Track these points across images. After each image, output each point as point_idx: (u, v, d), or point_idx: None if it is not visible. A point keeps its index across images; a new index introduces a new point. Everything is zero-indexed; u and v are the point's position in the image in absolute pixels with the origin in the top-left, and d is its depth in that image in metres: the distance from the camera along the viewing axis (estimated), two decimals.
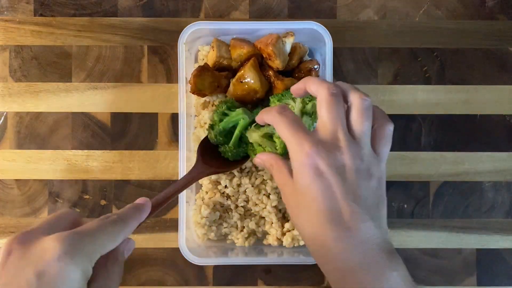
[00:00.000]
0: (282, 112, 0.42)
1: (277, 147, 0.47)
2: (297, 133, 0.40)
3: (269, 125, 0.47)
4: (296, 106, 0.50)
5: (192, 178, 0.48)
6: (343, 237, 0.38)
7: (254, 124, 0.50)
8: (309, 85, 0.42)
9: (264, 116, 0.44)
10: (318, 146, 0.39)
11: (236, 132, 0.50)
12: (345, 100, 0.42)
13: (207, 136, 0.52)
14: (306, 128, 0.41)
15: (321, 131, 0.40)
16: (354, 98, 0.41)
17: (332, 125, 0.40)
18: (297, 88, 0.44)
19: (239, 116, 0.50)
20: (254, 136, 0.49)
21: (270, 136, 0.49)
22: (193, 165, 0.53)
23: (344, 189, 0.38)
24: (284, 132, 0.41)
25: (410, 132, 0.58)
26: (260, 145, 0.49)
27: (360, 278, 0.37)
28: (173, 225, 0.57)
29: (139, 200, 0.42)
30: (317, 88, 0.41)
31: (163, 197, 0.45)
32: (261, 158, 0.46)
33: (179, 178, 0.52)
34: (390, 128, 0.42)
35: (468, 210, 0.58)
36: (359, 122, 0.40)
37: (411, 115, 0.58)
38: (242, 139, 0.51)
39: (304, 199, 0.39)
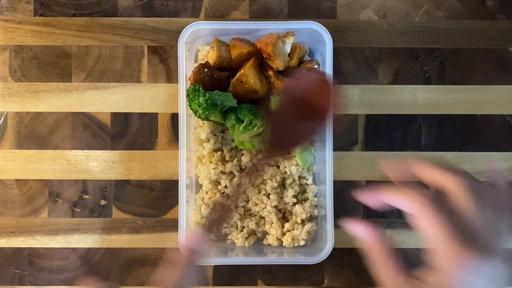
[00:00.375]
0: (439, 202, 0.32)
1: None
2: (458, 237, 0.31)
3: (254, 127, 0.49)
4: None
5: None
6: None
7: (242, 125, 0.50)
8: (400, 201, 0.34)
9: (411, 191, 0.34)
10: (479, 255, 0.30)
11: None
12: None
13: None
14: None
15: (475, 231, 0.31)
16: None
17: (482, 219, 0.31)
18: (376, 201, 0.35)
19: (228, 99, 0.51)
20: (243, 136, 0.50)
21: (258, 134, 0.50)
22: (192, 165, 0.53)
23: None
24: (437, 230, 0.32)
25: (410, 132, 0.58)
26: (250, 143, 0.50)
27: None
28: (173, 225, 0.57)
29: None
30: (407, 205, 0.33)
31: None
32: (356, 231, 0.36)
33: (179, 179, 0.52)
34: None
35: None
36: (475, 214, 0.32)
37: (411, 115, 0.58)
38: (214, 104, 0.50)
39: None
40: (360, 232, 0.36)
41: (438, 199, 0.32)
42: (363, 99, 0.58)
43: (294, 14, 0.58)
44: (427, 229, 0.32)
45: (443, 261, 0.32)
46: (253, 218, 0.55)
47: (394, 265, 0.34)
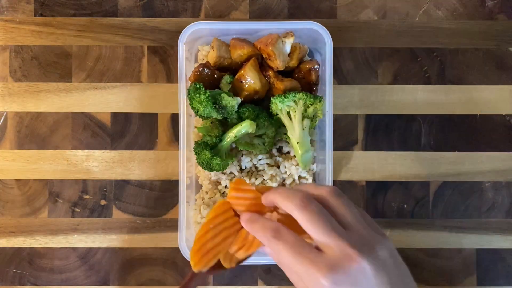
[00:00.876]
0: (278, 238, 0.36)
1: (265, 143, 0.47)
2: (303, 258, 0.35)
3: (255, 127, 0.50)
4: (297, 109, 0.51)
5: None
6: None
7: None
8: (280, 203, 0.38)
9: (258, 235, 0.37)
10: (333, 270, 0.34)
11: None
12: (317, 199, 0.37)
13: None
14: (311, 249, 0.35)
15: (324, 249, 0.35)
16: (325, 196, 0.37)
17: (328, 239, 0.35)
18: (267, 201, 0.39)
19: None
20: (244, 137, 0.52)
21: (259, 135, 0.51)
22: (192, 165, 0.53)
23: None
24: (289, 261, 0.35)
25: (410, 132, 0.58)
26: (250, 143, 0.51)
27: None
28: (173, 225, 0.57)
29: None
30: (285, 205, 0.37)
31: None
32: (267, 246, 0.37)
33: (179, 179, 0.52)
34: (331, 192, 0.38)
35: (468, 210, 0.58)
36: (347, 214, 0.37)
37: (411, 115, 0.58)
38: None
39: None
40: (243, 218, 0.39)
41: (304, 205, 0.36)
42: (363, 99, 0.58)
43: (294, 14, 0.58)
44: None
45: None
46: None
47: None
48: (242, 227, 0.39)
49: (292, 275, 0.37)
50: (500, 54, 0.58)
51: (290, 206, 0.36)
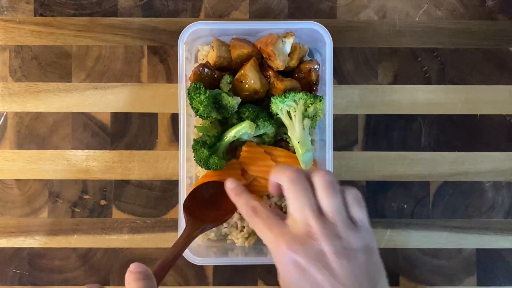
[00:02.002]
0: (255, 214, 0.41)
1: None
2: (272, 231, 0.39)
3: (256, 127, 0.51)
4: (298, 109, 0.51)
5: (187, 239, 0.45)
6: None
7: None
8: (273, 176, 0.41)
9: (240, 208, 0.43)
10: (293, 241, 0.37)
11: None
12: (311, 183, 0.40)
13: (191, 192, 0.50)
14: (280, 223, 0.39)
15: (292, 224, 0.39)
16: (316, 178, 0.39)
17: (300, 215, 0.38)
18: (272, 186, 0.43)
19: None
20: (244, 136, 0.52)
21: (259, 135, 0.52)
22: (192, 165, 0.53)
23: (330, 278, 0.36)
24: (262, 232, 0.40)
25: (410, 132, 0.58)
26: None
27: None
28: (173, 225, 0.57)
29: (135, 268, 0.38)
30: (278, 177, 0.41)
31: (161, 265, 0.42)
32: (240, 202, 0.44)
33: (179, 179, 0.52)
34: (354, 192, 0.40)
35: (468, 210, 0.58)
36: (327, 199, 0.38)
37: (411, 115, 0.58)
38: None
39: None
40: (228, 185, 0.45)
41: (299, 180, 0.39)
42: (363, 99, 0.58)
43: (294, 14, 0.58)
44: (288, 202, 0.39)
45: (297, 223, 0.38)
46: None
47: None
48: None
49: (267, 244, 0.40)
50: (500, 54, 0.58)
51: (282, 178, 0.40)
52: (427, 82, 0.58)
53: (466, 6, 0.59)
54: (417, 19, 0.58)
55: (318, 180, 0.39)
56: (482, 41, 0.58)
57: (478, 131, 0.58)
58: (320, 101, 0.51)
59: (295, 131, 0.51)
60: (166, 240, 0.57)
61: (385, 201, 0.58)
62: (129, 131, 0.58)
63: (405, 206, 0.58)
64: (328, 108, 0.52)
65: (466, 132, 0.58)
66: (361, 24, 0.58)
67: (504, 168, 0.58)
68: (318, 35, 0.53)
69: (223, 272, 0.57)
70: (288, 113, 0.51)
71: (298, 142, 0.51)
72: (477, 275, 0.58)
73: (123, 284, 0.57)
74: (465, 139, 0.58)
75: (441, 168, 0.58)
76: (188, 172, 0.53)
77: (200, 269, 0.57)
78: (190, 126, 0.55)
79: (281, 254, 0.37)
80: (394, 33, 0.58)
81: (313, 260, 0.36)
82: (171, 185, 0.57)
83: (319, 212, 0.38)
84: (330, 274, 0.36)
